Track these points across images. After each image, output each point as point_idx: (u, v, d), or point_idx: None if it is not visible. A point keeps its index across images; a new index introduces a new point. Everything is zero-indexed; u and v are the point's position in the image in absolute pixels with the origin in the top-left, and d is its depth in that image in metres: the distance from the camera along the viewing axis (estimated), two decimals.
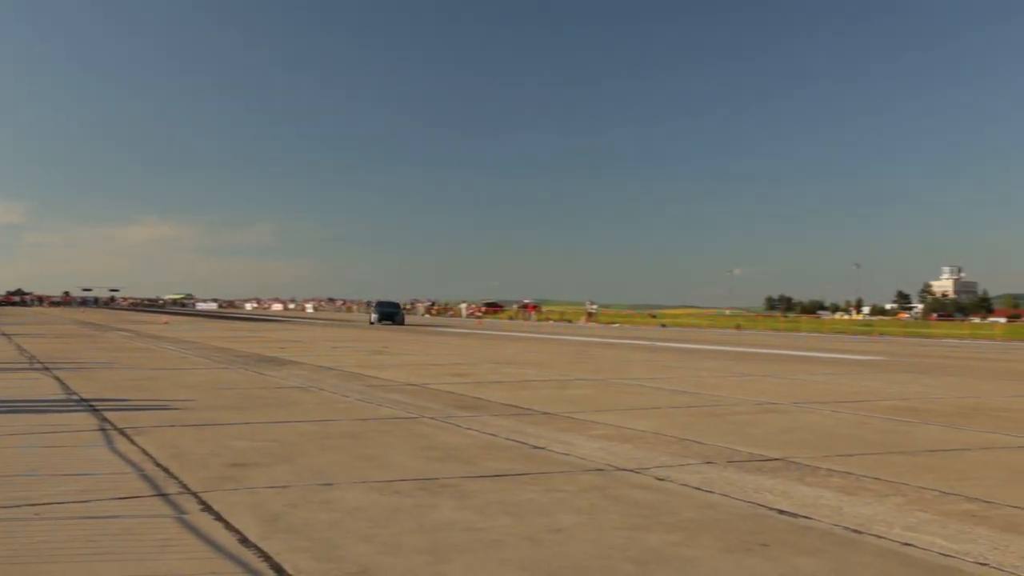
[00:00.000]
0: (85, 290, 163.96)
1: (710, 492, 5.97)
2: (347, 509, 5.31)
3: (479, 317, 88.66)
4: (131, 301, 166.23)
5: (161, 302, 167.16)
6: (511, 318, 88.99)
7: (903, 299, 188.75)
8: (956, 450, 7.99)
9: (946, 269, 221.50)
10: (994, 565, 4.33)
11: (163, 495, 5.60)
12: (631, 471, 6.69)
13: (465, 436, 8.35)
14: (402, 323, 53.60)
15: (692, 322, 79.46)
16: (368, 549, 4.46)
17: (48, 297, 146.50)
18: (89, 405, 10.23)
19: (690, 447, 7.87)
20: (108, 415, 9.31)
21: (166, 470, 6.40)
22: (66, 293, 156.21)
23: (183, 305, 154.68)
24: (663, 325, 71.70)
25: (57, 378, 13.70)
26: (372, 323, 52.62)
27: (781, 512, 5.41)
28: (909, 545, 4.68)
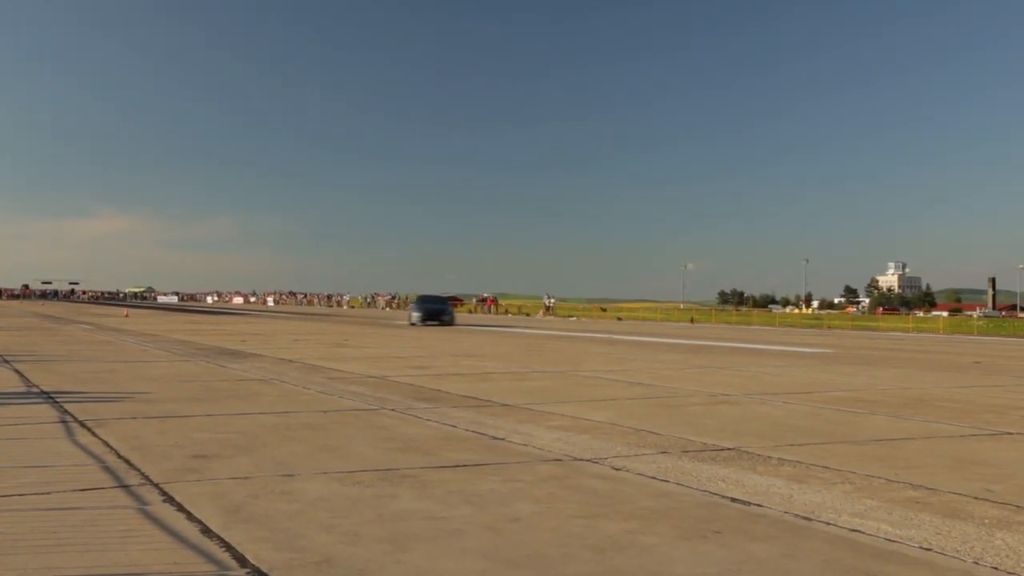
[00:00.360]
0: (44, 283, 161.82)
1: (665, 481, 6.11)
2: (309, 500, 5.37)
3: None
4: (91, 294, 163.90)
5: (122, 295, 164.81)
6: (470, 311, 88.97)
7: (851, 294, 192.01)
8: (901, 439, 8.23)
9: (892, 265, 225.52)
10: (937, 549, 4.51)
11: (125, 487, 5.61)
12: (589, 461, 6.81)
13: (425, 427, 8.42)
14: (451, 323, 41.08)
15: (647, 315, 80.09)
16: (329, 539, 4.52)
17: (7, 290, 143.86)
18: (49, 397, 10.15)
19: (646, 438, 8.02)
20: (69, 407, 9.25)
21: (128, 462, 6.40)
22: (25, 286, 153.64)
23: (144, 298, 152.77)
24: (619, 318, 72.18)
25: (17, 371, 13.54)
26: (413, 324, 39.65)
27: (734, 500, 5.56)
28: (856, 531, 4.85)
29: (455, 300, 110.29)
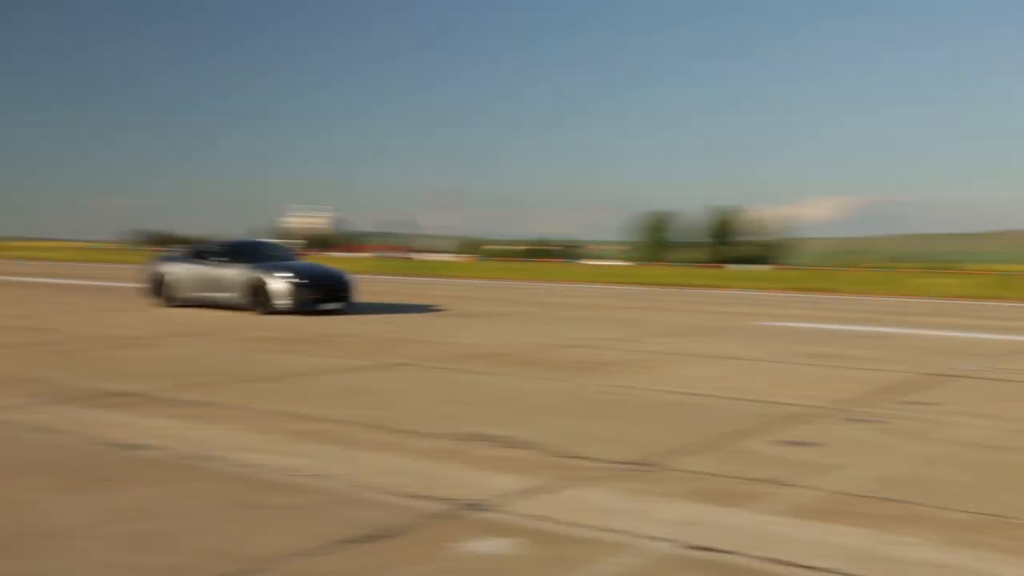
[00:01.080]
0: None
1: (51, 432, 5.72)
2: None
3: None
4: None
5: None
6: None
7: (277, 236, 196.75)
8: (304, 375, 8.70)
9: (295, 206, 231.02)
10: (318, 474, 4.82)
11: None
12: None
13: None
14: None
15: (53, 255, 72.25)
16: None
17: None
18: None
19: (39, 387, 7.42)
20: None
21: None
22: None
23: None
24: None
25: None
26: (282, 310, 15.64)
27: (127, 447, 5.38)
28: (249, 465, 4.99)
29: None
